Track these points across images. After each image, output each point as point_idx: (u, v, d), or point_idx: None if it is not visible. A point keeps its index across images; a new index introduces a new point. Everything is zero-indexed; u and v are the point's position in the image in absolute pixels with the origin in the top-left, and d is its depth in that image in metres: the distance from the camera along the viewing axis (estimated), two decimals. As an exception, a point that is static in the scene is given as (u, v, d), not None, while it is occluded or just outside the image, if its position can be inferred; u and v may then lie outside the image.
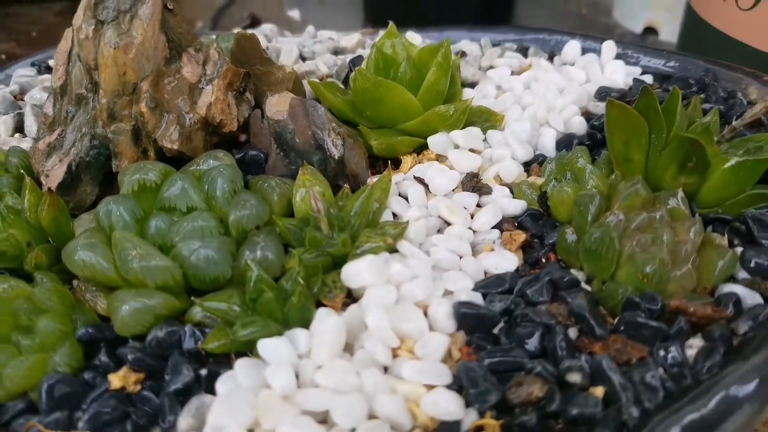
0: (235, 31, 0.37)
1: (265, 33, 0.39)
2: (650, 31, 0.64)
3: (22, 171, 0.27)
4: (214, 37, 0.37)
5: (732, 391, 0.18)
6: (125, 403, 0.21)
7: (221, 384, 0.21)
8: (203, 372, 0.22)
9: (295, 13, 0.62)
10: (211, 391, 0.21)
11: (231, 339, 0.22)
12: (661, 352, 0.20)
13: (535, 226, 0.26)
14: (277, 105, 0.29)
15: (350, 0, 0.66)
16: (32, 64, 0.38)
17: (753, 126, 0.29)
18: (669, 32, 0.59)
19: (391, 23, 0.33)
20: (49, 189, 0.25)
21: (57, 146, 0.27)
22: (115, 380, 0.21)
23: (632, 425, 0.19)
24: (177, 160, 0.28)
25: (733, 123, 0.25)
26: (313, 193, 0.25)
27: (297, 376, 0.21)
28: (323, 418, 0.20)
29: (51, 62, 0.38)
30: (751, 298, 0.22)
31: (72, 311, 0.23)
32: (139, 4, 0.26)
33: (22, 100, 0.35)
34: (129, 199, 0.25)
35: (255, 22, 0.57)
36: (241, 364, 0.21)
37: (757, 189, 0.25)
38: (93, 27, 0.26)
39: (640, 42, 0.63)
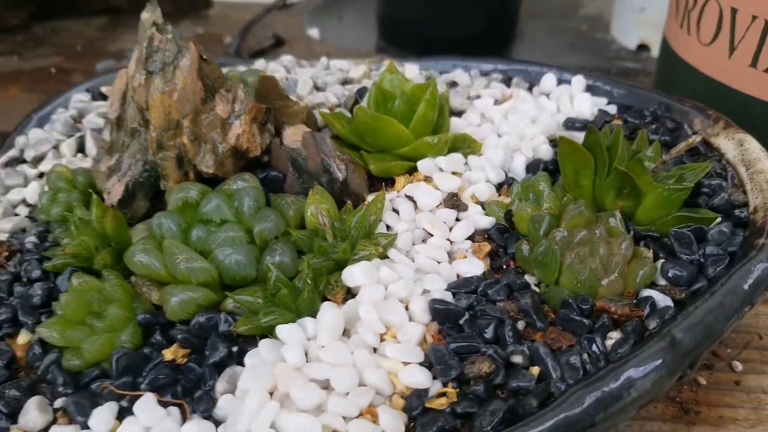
0: (256, 66, 0.43)
1: (284, 64, 0.46)
2: (643, 47, 0.69)
3: (89, 189, 0.34)
4: (241, 68, 0.44)
5: (631, 372, 0.24)
6: (175, 371, 0.28)
7: (248, 358, 0.27)
8: (235, 349, 0.28)
9: (314, 32, 0.67)
10: (241, 363, 0.28)
11: (256, 324, 0.28)
12: (586, 342, 0.26)
13: (501, 239, 0.32)
14: (293, 135, 0.35)
15: (366, 19, 0.72)
16: (87, 90, 0.45)
17: (693, 154, 0.35)
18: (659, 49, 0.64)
19: (390, 62, 0.40)
20: (111, 204, 0.32)
21: (116, 169, 0.34)
22: (168, 354, 0.28)
23: (557, 395, 0.25)
24: (212, 181, 0.34)
25: (664, 157, 0.31)
26: (320, 211, 0.31)
27: (306, 354, 0.27)
28: (325, 386, 0.26)
29: (103, 89, 0.45)
30: (663, 301, 0.28)
31: (132, 301, 0.30)
32: (180, 57, 0.33)
33: (81, 123, 0.42)
34: (175, 215, 0.31)
35: (279, 42, 0.63)
36: (263, 343, 0.28)
37: (682, 211, 0.31)
38: (144, 77, 0.32)
39: (633, 58, 0.68)
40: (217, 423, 0.26)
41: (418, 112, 0.36)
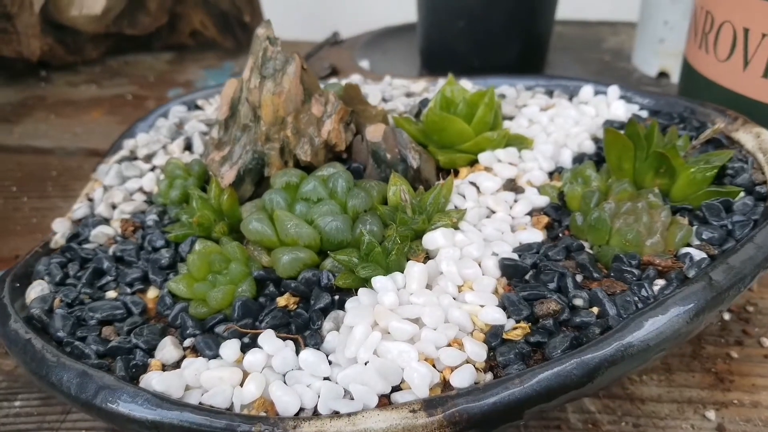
0: (332, 81, 0.50)
1: (354, 81, 0.52)
2: (663, 75, 0.75)
3: (204, 176, 0.40)
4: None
5: (678, 303, 0.29)
6: (287, 315, 0.33)
7: (349, 303, 0.33)
8: (336, 297, 0.34)
9: (365, 63, 0.75)
10: (342, 309, 0.33)
11: (353, 278, 0.34)
12: (636, 288, 0.32)
13: (555, 214, 0.38)
14: (374, 131, 0.41)
15: (409, 51, 0.79)
16: (182, 103, 0.52)
17: (716, 146, 0.41)
18: (678, 76, 0.70)
19: (450, 75, 0.46)
20: (229, 185, 0.38)
21: (228, 158, 0.40)
22: (281, 301, 0.33)
23: (614, 326, 0.30)
24: (307, 169, 0.40)
25: (693, 142, 0.37)
26: (402, 189, 0.37)
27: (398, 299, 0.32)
28: (416, 323, 0.31)
29: (199, 102, 0.52)
30: (699, 255, 0.33)
31: (248, 261, 0.36)
32: (287, 65, 0.39)
33: (182, 128, 0.49)
34: (282, 192, 0.37)
35: (334, 72, 0.71)
36: (362, 291, 0.33)
37: (711, 188, 0.36)
38: (258, 80, 0.39)
39: (654, 84, 0.74)
40: (326, 354, 0.31)
41: (477, 114, 0.42)
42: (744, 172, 0.37)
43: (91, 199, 0.43)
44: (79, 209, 0.42)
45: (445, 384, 0.29)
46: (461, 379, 0.29)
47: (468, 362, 0.29)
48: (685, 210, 0.36)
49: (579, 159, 0.42)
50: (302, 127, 0.40)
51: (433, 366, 0.29)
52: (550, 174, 0.41)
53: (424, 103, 0.48)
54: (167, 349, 0.32)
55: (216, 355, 0.31)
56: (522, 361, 0.29)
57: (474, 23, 0.68)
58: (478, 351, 0.30)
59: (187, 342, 0.32)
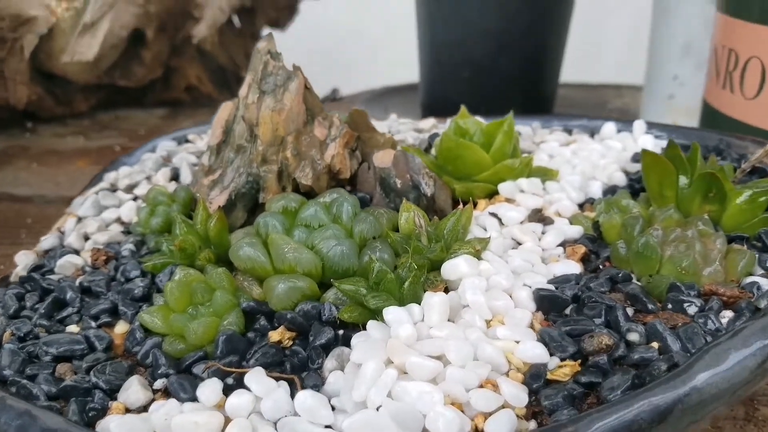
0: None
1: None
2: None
3: (189, 203, 0.35)
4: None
5: (756, 336, 0.24)
6: (281, 352, 0.27)
7: (356, 338, 0.27)
8: (340, 332, 0.28)
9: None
10: (347, 345, 0.27)
11: (360, 311, 0.29)
12: (701, 321, 0.26)
13: (592, 246, 0.33)
14: (383, 157, 0.37)
15: (410, 107, 0.77)
16: (173, 139, 0.48)
17: (761, 175, 0.37)
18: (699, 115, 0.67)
19: (462, 106, 0.43)
20: (219, 206, 0.33)
21: (219, 182, 0.35)
22: (274, 335, 0.28)
23: (680, 363, 0.24)
24: (307, 195, 0.36)
25: (743, 166, 0.33)
26: (417, 214, 0.32)
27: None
28: (438, 361, 0.26)
29: (190, 136, 0.48)
30: (766, 284, 0.28)
31: (236, 291, 0.30)
32: (289, 81, 0.36)
33: (170, 162, 0.45)
34: (279, 215, 0.33)
35: (334, 98, 0.67)
36: (371, 324, 0.27)
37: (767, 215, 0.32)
38: (257, 96, 0.35)
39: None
40: (328, 398, 0.25)
41: (495, 143, 0.39)
42: (803, 200, 0.32)
43: (62, 232, 0.38)
44: (47, 240, 0.37)
45: (478, 434, 0.23)
46: (499, 427, 0.23)
47: (505, 407, 0.24)
48: (740, 239, 0.32)
49: (610, 191, 0.37)
50: (303, 149, 0.35)
51: (462, 412, 0.24)
52: (580, 206, 0.37)
53: (434, 137, 0.45)
54: (133, 389, 0.26)
55: (193, 399, 0.25)
56: (572, 406, 0.24)
57: (479, 75, 0.66)
58: (517, 394, 0.24)
59: (158, 383, 0.27)
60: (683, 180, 0.33)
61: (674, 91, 0.68)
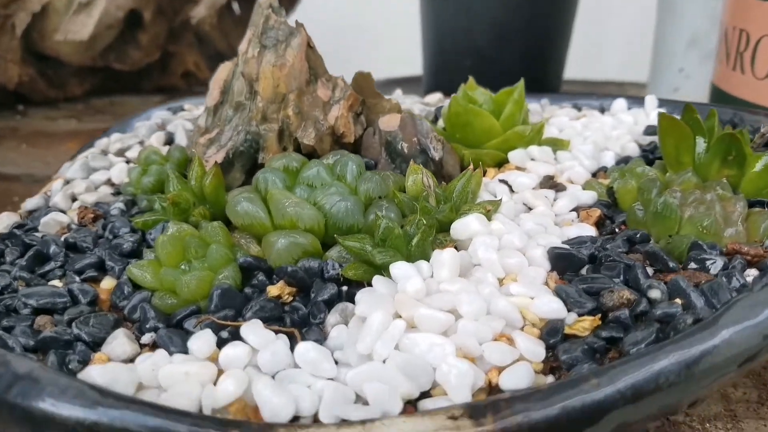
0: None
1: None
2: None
3: (184, 163, 0.34)
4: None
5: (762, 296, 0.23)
6: (280, 308, 0.26)
7: (361, 294, 0.25)
8: (344, 288, 0.26)
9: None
10: (351, 302, 0.26)
11: (366, 268, 0.27)
12: (725, 279, 0.25)
13: (607, 211, 0.32)
14: (389, 120, 0.35)
15: (413, 95, 0.76)
16: (168, 109, 0.46)
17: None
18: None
19: (470, 77, 0.41)
20: (216, 162, 0.32)
21: (216, 140, 0.34)
22: (273, 290, 0.26)
23: (705, 318, 0.23)
24: (309, 156, 0.34)
25: (762, 130, 0.31)
26: (425, 173, 0.31)
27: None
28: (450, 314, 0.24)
29: (186, 106, 0.46)
30: (793, 246, 0.27)
31: (232, 246, 0.28)
32: (292, 37, 0.34)
33: (164, 129, 0.43)
34: (279, 171, 0.31)
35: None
36: (377, 279, 0.26)
37: (790, 179, 0.30)
38: (258, 50, 0.33)
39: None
40: (331, 351, 0.23)
41: (505, 111, 0.37)
42: (823, 167, 0.31)
43: (48, 195, 0.36)
44: (31, 201, 0.35)
45: (492, 389, 0.22)
46: (515, 381, 0.21)
47: (522, 360, 0.22)
48: (760, 204, 0.30)
49: (623, 162, 0.36)
50: (306, 109, 0.34)
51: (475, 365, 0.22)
52: (593, 174, 0.35)
53: (441, 109, 0.43)
54: (118, 341, 0.24)
55: (183, 352, 0.23)
56: (593, 360, 0.22)
57: (482, 64, 0.64)
58: (533, 348, 0.22)
59: (146, 338, 0.25)
60: (701, 144, 0.32)
61: (680, 83, 0.67)
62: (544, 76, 0.70)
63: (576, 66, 0.81)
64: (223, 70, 0.36)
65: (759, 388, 0.34)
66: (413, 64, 0.78)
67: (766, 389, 0.33)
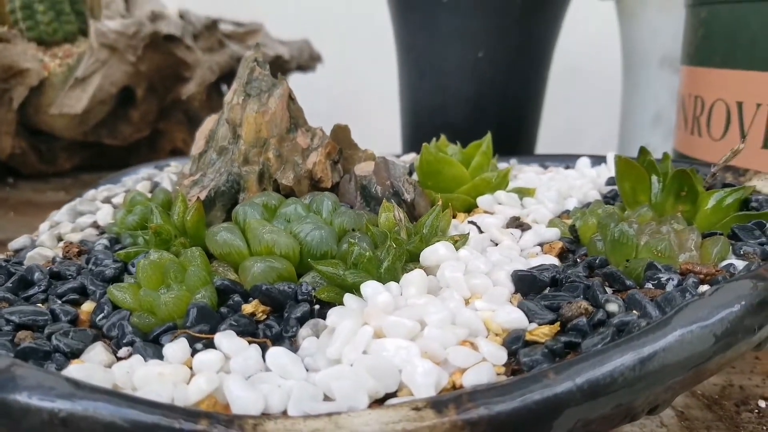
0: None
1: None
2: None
3: (167, 204, 0.35)
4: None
5: (736, 287, 0.24)
6: (254, 324, 0.26)
7: (332, 310, 0.26)
8: (317, 307, 0.27)
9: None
10: (323, 318, 0.26)
11: (338, 291, 0.28)
12: (678, 293, 0.26)
13: (569, 245, 0.33)
14: (365, 167, 0.38)
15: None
16: (155, 167, 0.48)
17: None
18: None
19: (442, 135, 0.44)
20: (198, 198, 0.33)
21: (199, 182, 0.36)
22: (248, 307, 0.27)
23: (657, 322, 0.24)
24: (287, 197, 0.36)
25: (712, 169, 0.34)
26: (397, 209, 0.33)
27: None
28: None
29: (172, 163, 0.49)
30: (743, 265, 0.28)
31: (210, 269, 0.30)
32: (274, 88, 0.37)
33: (150, 180, 0.45)
34: (257, 206, 0.33)
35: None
36: (348, 297, 0.27)
37: (740, 213, 0.32)
38: (242, 98, 0.36)
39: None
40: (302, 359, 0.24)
41: (474, 161, 0.40)
42: (770, 205, 0.33)
43: (35, 237, 0.37)
44: (18, 241, 0.36)
45: (456, 390, 0.22)
46: (477, 379, 0.22)
47: (484, 362, 0.23)
48: (714, 235, 0.32)
49: (586, 206, 0.38)
50: (286, 153, 0.36)
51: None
52: (558, 216, 0.37)
53: (413, 167, 0.46)
54: (96, 351, 0.25)
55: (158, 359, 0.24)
56: (553, 363, 0.23)
57: (457, 138, 0.68)
58: (496, 352, 0.23)
59: (123, 351, 0.25)
60: (656, 184, 0.34)
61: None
62: (518, 149, 0.74)
63: (549, 144, 0.85)
64: (209, 121, 0.39)
65: (731, 430, 0.34)
66: (393, 141, 0.82)
67: (738, 430, 0.34)
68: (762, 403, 0.36)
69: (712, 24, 0.48)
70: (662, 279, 0.27)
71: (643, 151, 0.35)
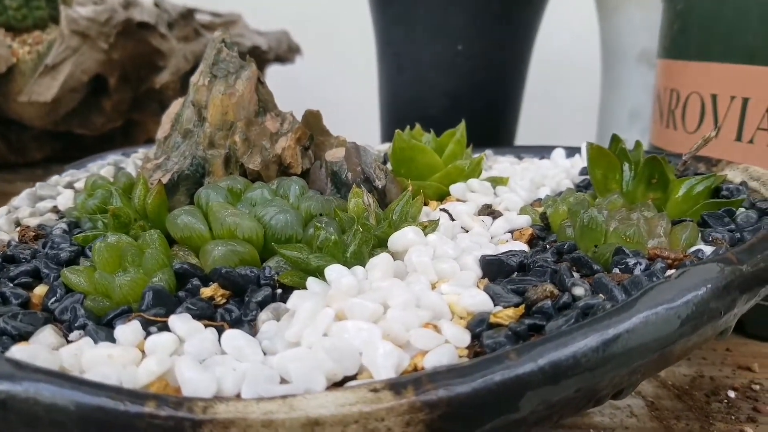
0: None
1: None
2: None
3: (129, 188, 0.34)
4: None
5: (702, 272, 0.24)
6: (213, 308, 0.26)
7: (294, 295, 0.26)
8: (279, 291, 0.27)
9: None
10: (285, 302, 0.26)
11: (302, 275, 0.27)
12: (645, 277, 0.26)
13: (539, 233, 0.33)
14: (335, 153, 0.37)
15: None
16: (123, 153, 0.47)
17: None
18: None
19: (417, 124, 0.44)
20: (159, 181, 0.32)
21: (162, 166, 0.35)
22: (207, 291, 0.26)
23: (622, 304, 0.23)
24: (254, 182, 0.35)
25: (683, 157, 0.34)
26: (366, 193, 0.32)
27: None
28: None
29: (141, 150, 0.47)
30: (710, 251, 0.28)
31: (168, 252, 0.29)
32: (242, 70, 0.36)
33: (116, 166, 0.44)
34: (221, 189, 0.32)
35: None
36: (311, 280, 0.26)
37: (710, 201, 0.32)
38: (208, 79, 0.35)
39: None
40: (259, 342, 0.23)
41: (447, 150, 0.39)
42: (740, 193, 0.33)
43: (-9, 223, 0.36)
44: (-27, 226, 0.35)
45: (417, 372, 0.22)
46: (438, 360, 0.21)
47: (447, 343, 0.22)
48: (684, 222, 0.32)
49: (558, 195, 0.38)
50: (253, 137, 0.35)
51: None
52: (530, 205, 0.37)
53: (387, 157, 0.45)
54: (45, 334, 0.24)
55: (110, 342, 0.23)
56: (516, 344, 0.22)
57: (435, 131, 0.68)
58: (459, 334, 0.23)
59: (74, 335, 0.24)
60: (627, 172, 0.34)
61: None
62: (496, 144, 0.74)
63: (527, 139, 0.85)
64: (176, 105, 0.38)
65: (701, 420, 0.34)
66: (373, 134, 0.82)
67: (708, 422, 0.34)
68: (732, 394, 0.36)
69: (688, 16, 0.48)
70: (630, 264, 0.27)
71: (615, 139, 0.35)
